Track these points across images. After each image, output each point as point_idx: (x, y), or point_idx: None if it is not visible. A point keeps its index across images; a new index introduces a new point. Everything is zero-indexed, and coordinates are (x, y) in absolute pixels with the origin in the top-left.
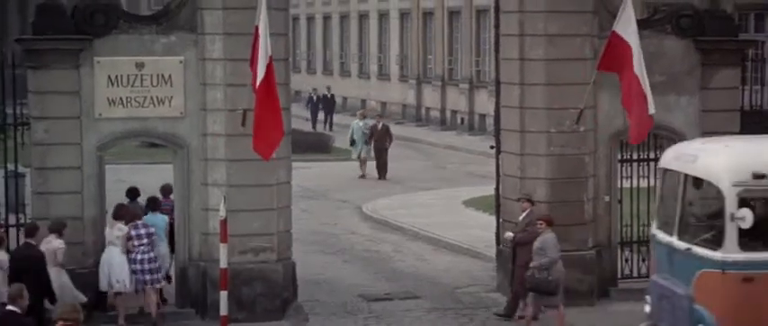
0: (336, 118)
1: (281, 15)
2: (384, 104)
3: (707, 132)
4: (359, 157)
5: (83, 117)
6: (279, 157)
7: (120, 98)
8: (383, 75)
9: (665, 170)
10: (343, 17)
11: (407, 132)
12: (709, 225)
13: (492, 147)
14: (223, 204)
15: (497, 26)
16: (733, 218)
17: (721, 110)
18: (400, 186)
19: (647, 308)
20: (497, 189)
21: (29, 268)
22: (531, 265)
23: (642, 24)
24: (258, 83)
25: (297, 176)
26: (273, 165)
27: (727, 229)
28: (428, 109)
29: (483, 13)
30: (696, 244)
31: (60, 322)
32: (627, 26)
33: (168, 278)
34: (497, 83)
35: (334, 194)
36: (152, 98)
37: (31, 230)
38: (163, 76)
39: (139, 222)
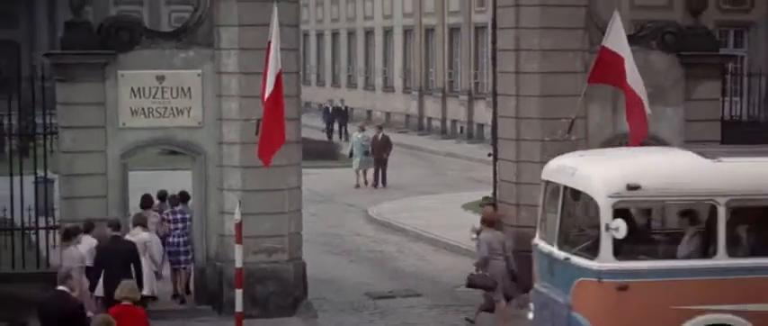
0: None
1: (293, 31)
2: (388, 115)
3: (690, 141)
4: (357, 168)
5: (107, 127)
6: (290, 163)
7: (143, 109)
8: (387, 87)
9: (547, 182)
10: (351, 33)
11: (410, 141)
12: (586, 235)
13: (489, 154)
14: (238, 208)
15: (495, 42)
16: (608, 228)
17: (703, 120)
18: (403, 191)
19: (531, 315)
20: (495, 194)
21: (118, 260)
22: (474, 263)
23: (630, 40)
24: (267, 94)
25: (306, 181)
26: (285, 171)
27: (603, 239)
28: (430, 119)
29: (481, 29)
30: (574, 254)
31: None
32: (618, 41)
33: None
34: (495, 94)
35: (341, 198)
36: (172, 109)
37: (117, 225)
38: (182, 88)
39: (177, 209)
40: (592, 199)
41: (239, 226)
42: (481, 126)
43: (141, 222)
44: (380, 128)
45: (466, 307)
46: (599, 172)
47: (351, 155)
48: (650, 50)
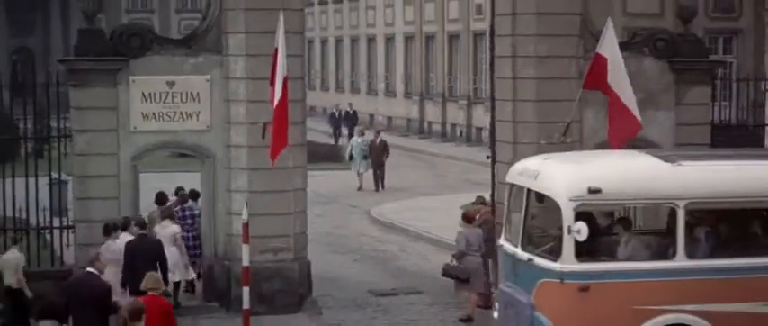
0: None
1: (298, 38)
2: (390, 119)
3: (680, 144)
4: (357, 171)
5: (119, 130)
6: (295, 166)
7: (153, 113)
8: (390, 92)
9: (512, 185)
10: (354, 40)
11: (411, 144)
12: (549, 237)
13: (488, 157)
14: (245, 209)
15: (492, 48)
16: (570, 231)
17: (693, 124)
18: (405, 192)
19: (495, 314)
20: (493, 195)
21: (145, 256)
22: (452, 254)
23: (623, 47)
24: (276, 100)
25: (311, 183)
26: (290, 173)
27: (565, 241)
28: (430, 123)
29: (480, 36)
30: (537, 255)
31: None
32: (610, 47)
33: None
34: (492, 99)
35: (345, 199)
36: (181, 113)
37: (143, 224)
38: (191, 93)
39: (186, 206)
40: (554, 202)
41: (246, 226)
42: (480, 130)
43: (170, 215)
44: (378, 132)
45: (465, 305)
46: (561, 175)
47: (350, 158)
48: (643, 57)
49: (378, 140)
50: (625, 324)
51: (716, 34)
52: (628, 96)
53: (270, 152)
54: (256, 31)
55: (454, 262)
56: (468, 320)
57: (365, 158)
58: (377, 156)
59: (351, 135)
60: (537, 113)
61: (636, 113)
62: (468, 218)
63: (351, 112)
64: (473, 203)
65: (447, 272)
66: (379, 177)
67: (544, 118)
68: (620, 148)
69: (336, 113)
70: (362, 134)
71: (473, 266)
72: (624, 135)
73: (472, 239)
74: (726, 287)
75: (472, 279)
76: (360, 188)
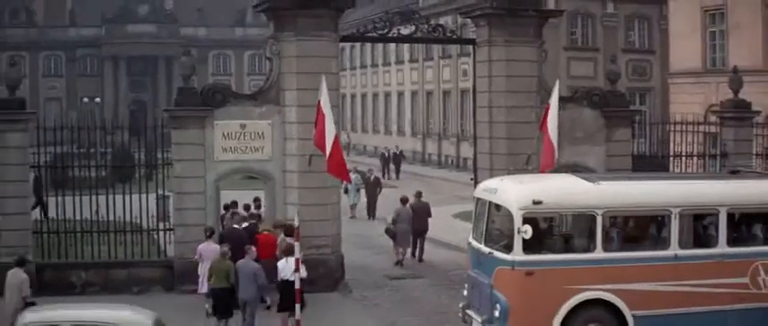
0: (369, 161)
1: (334, 93)
2: (401, 152)
3: (610, 169)
4: (350, 203)
5: (206, 160)
6: (332, 186)
7: (230, 147)
8: (400, 132)
9: (478, 199)
10: (375, 95)
11: (416, 170)
12: (504, 236)
13: (471, 179)
14: (296, 217)
15: (474, 101)
16: (519, 231)
17: (619, 155)
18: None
19: (465, 292)
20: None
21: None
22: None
23: (568, 100)
24: (330, 141)
25: (344, 198)
26: (329, 191)
27: (515, 239)
28: (430, 154)
29: (465, 92)
30: (496, 249)
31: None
32: (553, 101)
33: None
34: (475, 137)
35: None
36: (251, 147)
37: (290, 230)
38: (258, 133)
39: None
40: (508, 210)
41: (298, 229)
42: (465, 159)
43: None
44: (371, 170)
45: (455, 286)
46: (513, 191)
47: (346, 191)
48: (583, 107)
49: (372, 178)
50: (559, 299)
51: (634, 91)
52: (554, 138)
53: (337, 173)
54: (305, 88)
55: (392, 226)
56: (399, 263)
57: (358, 191)
58: (371, 190)
59: (398, 171)
60: (507, 148)
61: (555, 151)
62: (402, 200)
63: (398, 152)
64: (415, 195)
65: (387, 232)
66: (372, 208)
67: (512, 151)
68: (545, 172)
69: (386, 154)
70: (356, 171)
71: (401, 230)
72: (547, 164)
73: (402, 213)
74: (631, 272)
75: (399, 238)
76: (351, 217)
